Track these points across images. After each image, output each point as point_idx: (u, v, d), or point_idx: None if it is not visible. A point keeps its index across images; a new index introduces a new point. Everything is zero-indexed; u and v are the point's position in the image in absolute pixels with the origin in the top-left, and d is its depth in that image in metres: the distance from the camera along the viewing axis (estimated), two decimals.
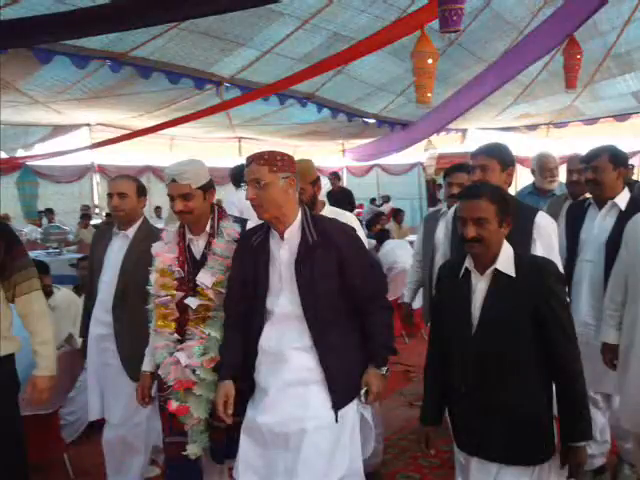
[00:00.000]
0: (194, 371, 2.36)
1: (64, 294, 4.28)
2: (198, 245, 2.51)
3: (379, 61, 7.43)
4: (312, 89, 8.11)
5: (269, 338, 2.22)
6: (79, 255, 7.18)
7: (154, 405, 2.69)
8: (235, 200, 4.97)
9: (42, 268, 3.65)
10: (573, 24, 5.09)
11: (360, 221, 4.03)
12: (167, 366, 2.41)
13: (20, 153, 10.37)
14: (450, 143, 12.77)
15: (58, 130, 10.18)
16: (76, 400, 3.79)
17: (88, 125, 10.36)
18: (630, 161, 3.76)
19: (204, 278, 2.40)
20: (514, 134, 11.83)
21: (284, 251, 2.21)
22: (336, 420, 2.14)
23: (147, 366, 2.58)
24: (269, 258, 2.24)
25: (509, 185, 2.64)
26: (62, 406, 3.54)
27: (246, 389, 2.27)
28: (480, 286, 2.05)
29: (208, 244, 2.48)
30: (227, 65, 6.91)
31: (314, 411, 2.13)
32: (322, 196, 3.13)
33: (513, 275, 2.00)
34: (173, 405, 2.41)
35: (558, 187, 4.27)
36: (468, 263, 2.09)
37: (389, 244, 6.90)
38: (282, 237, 2.22)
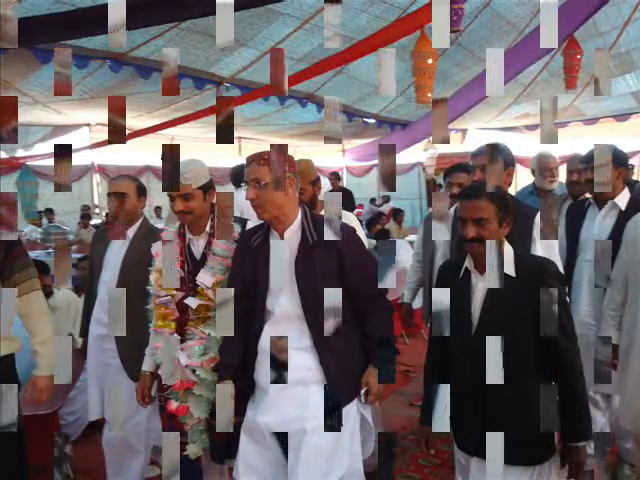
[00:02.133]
0: (194, 371, 2.36)
1: (64, 294, 4.27)
2: (198, 245, 2.51)
3: None
4: (312, 89, 8.12)
5: (269, 338, 2.22)
6: (79, 255, 7.16)
7: (154, 405, 2.69)
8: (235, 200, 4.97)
9: (42, 268, 3.65)
10: (573, 24, 5.09)
11: (360, 221, 4.02)
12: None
13: (20, 153, 10.37)
14: (450, 143, 12.76)
15: (58, 130, 10.19)
16: (76, 400, 3.79)
17: (88, 125, 10.37)
18: (630, 161, 3.75)
19: (204, 278, 2.40)
20: (514, 134, 11.83)
21: None
22: None
23: (147, 366, 2.59)
24: (269, 258, 2.23)
25: (509, 185, 2.64)
26: (62, 406, 3.54)
27: (246, 389, 2.27)
28: (480, 286, 2.04)
29: (208, 244, 2.48)
30: (227, 65, 6.92)
31: (314, 411, 2.12)
32: (322, 196, 3.13)
33: (513, 275, 2.00)
34: (173, 405, 2.41)
35: (558, 187, 4.27)
36: (468, 263, 2.09)
37: None
38: (282, 237, 2.22)
